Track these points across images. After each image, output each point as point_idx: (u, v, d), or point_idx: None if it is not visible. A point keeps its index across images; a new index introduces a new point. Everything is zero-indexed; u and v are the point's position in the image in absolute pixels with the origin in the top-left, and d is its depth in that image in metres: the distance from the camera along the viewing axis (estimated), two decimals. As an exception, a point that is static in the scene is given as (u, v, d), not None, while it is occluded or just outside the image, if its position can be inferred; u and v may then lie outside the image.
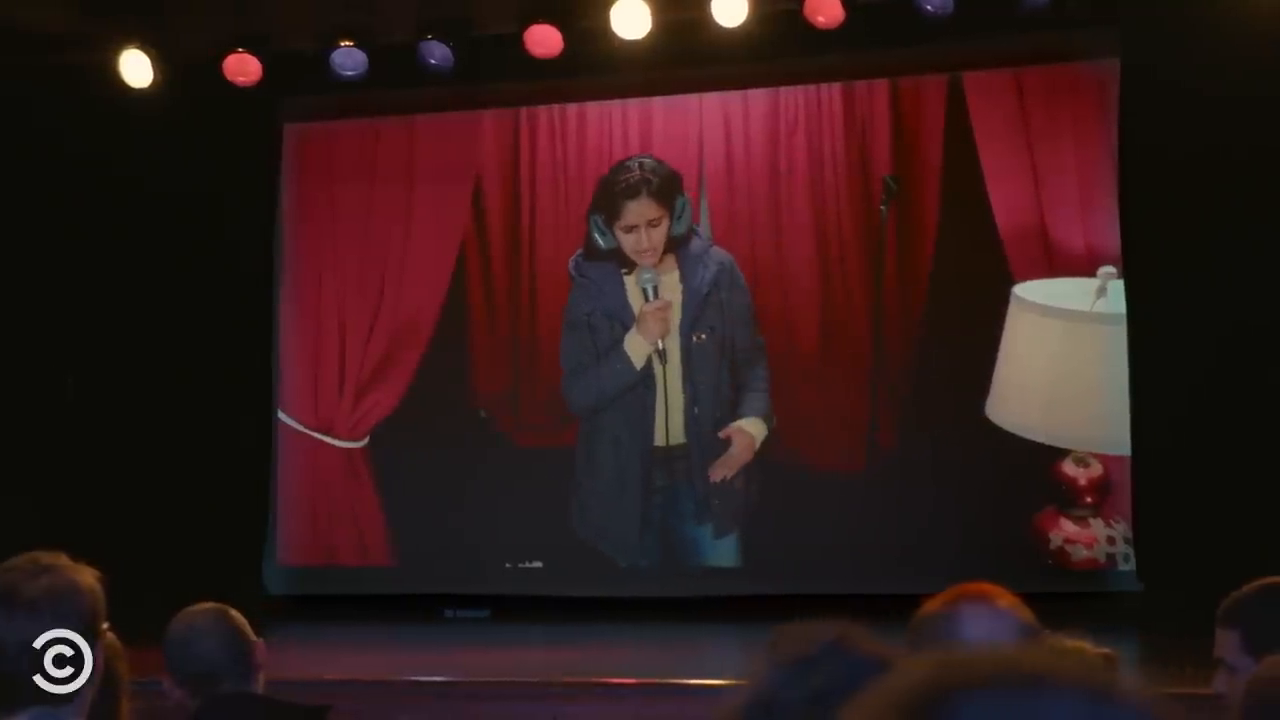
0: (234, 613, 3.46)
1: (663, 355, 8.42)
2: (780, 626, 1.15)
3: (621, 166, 8.61)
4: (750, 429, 8.33)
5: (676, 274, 8.45)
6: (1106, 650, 2.80)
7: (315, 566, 8.89)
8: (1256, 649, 2.61)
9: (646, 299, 8.43)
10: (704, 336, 8.38)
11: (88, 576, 2.31)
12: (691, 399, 8.39)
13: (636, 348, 8.49)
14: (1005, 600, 2.14)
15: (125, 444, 8.48)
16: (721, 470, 8.34)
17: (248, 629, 3.44)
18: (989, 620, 2.08)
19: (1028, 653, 0.79)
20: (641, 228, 8.51)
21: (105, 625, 2.33)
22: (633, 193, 8.55)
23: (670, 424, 8.40)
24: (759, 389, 8.32)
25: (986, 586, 2.18)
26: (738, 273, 8.40)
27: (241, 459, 8.69)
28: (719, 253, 8.44)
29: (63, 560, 2.30)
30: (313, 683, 6.36)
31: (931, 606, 2.14)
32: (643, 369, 8.46)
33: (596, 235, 8.57)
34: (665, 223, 8.49)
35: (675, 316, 8.44)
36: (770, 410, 8.31)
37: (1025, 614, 2.14)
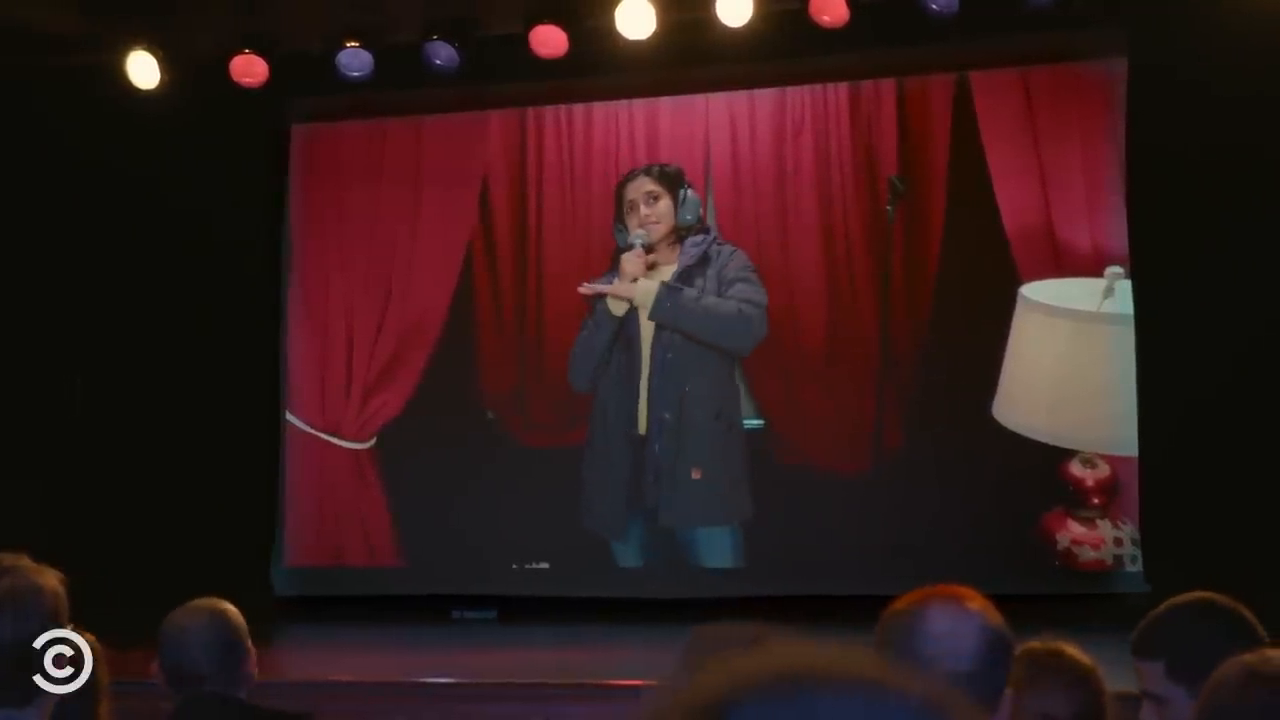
0: (231, 614, 3.37)
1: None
2: (698, 628, 1.14)
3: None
4: (644, 282, 8.34)
5: (674, 265, 8.43)
6: (1086, 659, 2.78)
7: (322, 567, 8.89)
8: (1189, 676, 2.48)
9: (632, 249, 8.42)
10: None
11: (50, 579, 2.31)
12: (661, 375, 8.36)
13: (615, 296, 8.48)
14: (975, 602, 2.12)
15: (132, 445, 8.49)
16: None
17: (243, 632, 3.36)
18: (953, 620, 2.06)
19: (810, 654, 0.78)
20: (640, 200, 8.48)
21: (70, 626, 2.33)
22: (632, 177, 8.57)
23: (652, 410, 8.38)
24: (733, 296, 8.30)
25: (958, 588, 2.16)
26: (741, 252, 8.37)
27: (249, 460, 8.69)
28: (724, 244, 8.41)
29: (25, 562, 2.30)
30: (320, 684, 6.39)
31: (900, 605, 2.12)
32: (625, 320, 8.41)
33: (616, 239, 8.55)
34: (667, 199, 8.45)
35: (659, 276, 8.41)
36: (686, 303, 8.28)
37: (995, 617, 2.12)
